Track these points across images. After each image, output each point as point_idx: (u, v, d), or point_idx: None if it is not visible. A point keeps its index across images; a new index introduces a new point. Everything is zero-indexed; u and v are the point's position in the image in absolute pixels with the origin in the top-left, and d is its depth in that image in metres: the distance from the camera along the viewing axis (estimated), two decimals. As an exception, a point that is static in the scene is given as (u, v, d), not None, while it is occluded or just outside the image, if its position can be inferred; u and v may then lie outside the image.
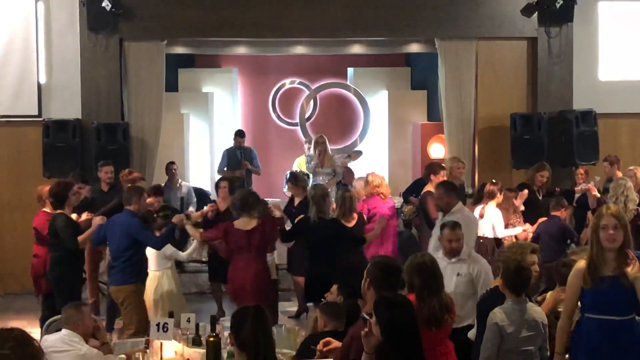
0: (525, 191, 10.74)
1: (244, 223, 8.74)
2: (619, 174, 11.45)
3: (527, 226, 10.35)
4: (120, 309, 8.74)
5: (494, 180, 10.83)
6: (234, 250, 8.79)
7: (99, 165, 11.26)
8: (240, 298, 8.48)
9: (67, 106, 12.69)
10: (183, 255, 9.75)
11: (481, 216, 10.18)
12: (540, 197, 11.05)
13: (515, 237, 10.33)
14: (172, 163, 13.27)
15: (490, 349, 5.74)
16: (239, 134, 14.00)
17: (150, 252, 8.99)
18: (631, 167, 11.00)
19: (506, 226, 10.46)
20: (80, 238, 8.86)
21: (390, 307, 4.68)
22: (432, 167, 10.78)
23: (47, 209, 9.31)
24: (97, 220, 8.90)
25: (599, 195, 10.90)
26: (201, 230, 9.34)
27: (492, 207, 10.37)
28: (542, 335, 5.87)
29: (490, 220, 10.24)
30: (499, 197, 10.45)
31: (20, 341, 3.54)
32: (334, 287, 7.06)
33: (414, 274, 5.61)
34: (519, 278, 5.83)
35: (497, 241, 10.31)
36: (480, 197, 10.76)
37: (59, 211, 8.92)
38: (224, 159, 13.86)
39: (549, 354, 5.94)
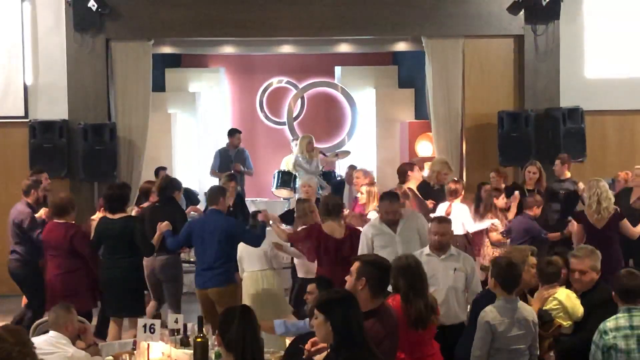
0: (517, 194, 10.66)
1: (332, 229, 8.49)
2: (568, 174, 11.44)
3: (496, 221, 10.32)
4: (221, 310, 8.50)
5: (455, 179, 10.82)
6: (322, 256, 8.46)
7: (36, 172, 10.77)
8: None
9: (54, 107, 12.65)
10: (283, 256, 9.50)
11: (447, 214, 10.03)
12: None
13: (487, 233, 10.30)
14: (163, 169, 13.20)
15: (482, 348, 5.75)
16: (232, 133, 13.91)
17: (252, 251, 8.80)
18: (638, 166, 10.92)
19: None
20: (154, 242, 8.67)
21: (344, 305, 4.62)
22: (402, 173, 10.69)
23: (61, 220, 8.83)
24: (164, 227, 8.65)
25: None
26: (288, 228, 9.21)
27: (458, 204, 10.32)
28: (532, 334, 5.88)
29: (459, 218, 10.12)
30: (462, 194, 10.45)
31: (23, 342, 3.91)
32: (312, 286, 7.04)
33: (400, 276, 5.61)
34: (510, 275, 5.84)
35: (468, 237, 10.30)
36: (480, 200, 10.62)
37: (123, 214, 8.65)
38: (216, 159, 13.79)
39: (538, 352, 5.95)
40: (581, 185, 11.08)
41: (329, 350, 4.70)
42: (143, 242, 8.54)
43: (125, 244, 8.50)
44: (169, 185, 9.82)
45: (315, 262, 8.60)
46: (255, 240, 8.66)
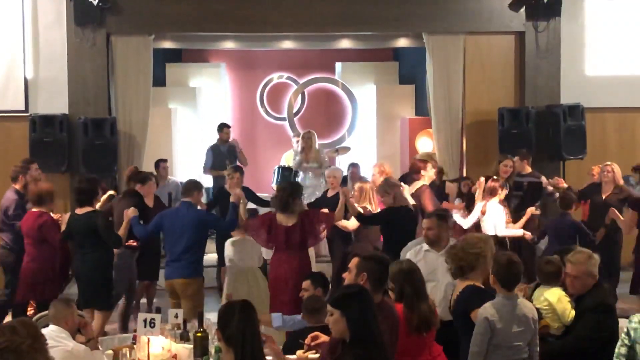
0: (482, 179, 10.45)
1: (285, 219, 8.65)
2: (528, 169, 11.43)
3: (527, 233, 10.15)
4: (184, 302, 8.51)
5: (495, 177, 10.61)
6: (274, 245, 8.70)
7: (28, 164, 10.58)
8: (280, 292, 8.46)
9: (54, 101, 12.64)
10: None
11: (483, 213, 9.92)
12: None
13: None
14: (164, 161, 13.20)
15: (480, 344, 5.73)
16: (220, 128, 13.85)
17: (241, 247, 9.07)
18: (608, 163, 11.01)
19: None
20: (121, 233, 8.69)
21: (360, 300, 4.64)
22: (414, 167, 10.71)
23: (46, 209, 8.98)
24: (130, 212, 8.67)
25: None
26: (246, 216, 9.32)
27: (494, 203, 9.98)
28: (532, 331, 5.86)
29: (491, 218, 9.92)
30: (501, 194, 10.15)
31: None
32: (307, 283, 7.05)
33: (405, 282, 5.52)
34: (510, 272, 5.82)
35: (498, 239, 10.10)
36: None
37: (89, 208, 8.67)
38: (208, 157, 13.73)
39: (538, 349, 5.95)
40: (544, 179, 11.16)
41: (332, 344, 4.71)
42: (108, 235, 8.60)
43: (91, 238, 8.58)
44: (134, 177, 10.10)
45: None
46: (229, 225, 8.91)
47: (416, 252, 7.47)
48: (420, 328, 5.41)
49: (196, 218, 8.66)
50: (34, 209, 9.01)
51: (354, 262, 5.45)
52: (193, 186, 8.94)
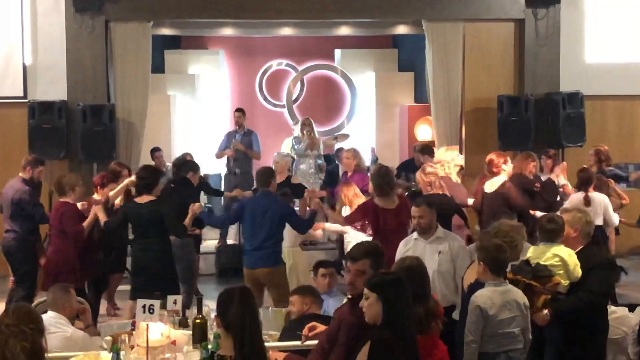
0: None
1: (387, 203, 8.43)
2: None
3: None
4: (271, 290, 8.60)
5: (585, 166, 10.31)
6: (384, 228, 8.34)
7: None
8: None
9: (53, 87, 12.61)
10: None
11: (587, 207, 9.55)
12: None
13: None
14: (158, 150, 13.20)
15: (474, 332, 5.74)
16: (237, 110, 13.73)
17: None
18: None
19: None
20: (186, 223, 8.52)
21: (397, 286, 4.70)
22: (491, 165, 10.03)
23: (70, 199, 8.77)
24: (197, 208, 8.52)
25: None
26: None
27: (595, 193, 9.90)
28: (524, 317, 5.87)
29: (600, 208, 9.80)
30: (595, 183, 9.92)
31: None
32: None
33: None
34: (498, 258, 5.83)
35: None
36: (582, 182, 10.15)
37: (150, 197, 8.43)
38: (223, 141, 13.56)
39: (530, 337, 5.94)
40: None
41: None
42: (175, 224, 8.41)
43: (154, 227, 8.34)
44: (182, 166, 10.11)
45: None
46: (303, 226, 8.91)
47: (406, 241, 7.48)
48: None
49: (278, 212, 8.67)
50: (60, 199, 8.84)
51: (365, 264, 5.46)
52: (269, 175, 8.97)
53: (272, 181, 8.87)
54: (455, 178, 10.58)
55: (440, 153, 11.54)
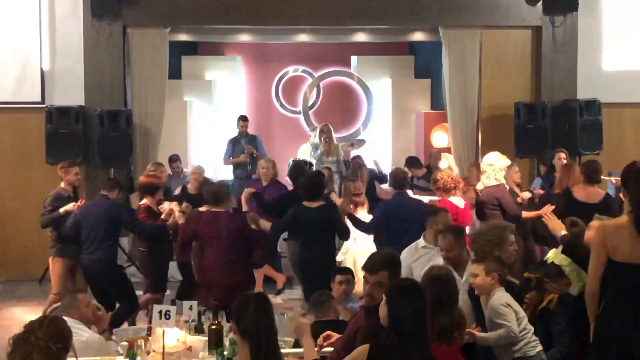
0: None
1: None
2: None
3: None
4: None
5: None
6: None
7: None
8: None
9: (70, 93, 12.67)
10: None
11: None
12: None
13: None
14: (175, 160, 13.21)
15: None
16: (241, 118, 13.85)
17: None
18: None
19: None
20: None
21: (407, 295, 4.67)
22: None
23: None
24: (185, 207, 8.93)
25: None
26: None
27: None
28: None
29: None
30: None
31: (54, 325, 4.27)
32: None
33: (427, 287, 5.45)
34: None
35: None
36: None
37: (321, 202, 8.79)
38: (228, 147, 13.71)
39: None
40: None
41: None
42: (343, 227, 8.80)
43: (325, 230, 8.64)
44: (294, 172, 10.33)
45: None
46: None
47: (412, 249, 7.46)
48: (439, 338, 5.34)
49: (417, 207, 8.93)
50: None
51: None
52: (402, 179, 9.38)
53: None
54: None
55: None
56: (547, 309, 6.16)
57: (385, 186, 12.16)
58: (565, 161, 10.99)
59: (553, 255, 6.53)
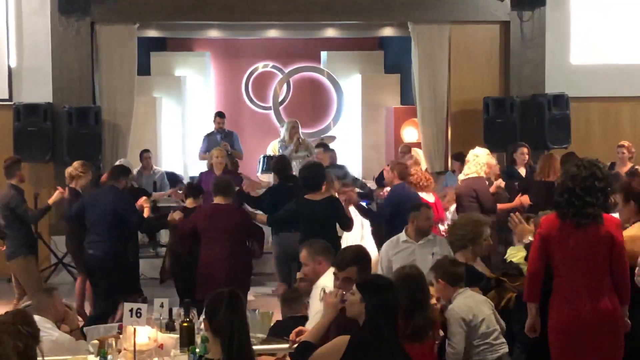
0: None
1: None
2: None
3: None
4: None
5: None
6: None
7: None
8: None
9: (38, 90, 12.57)
10: None
11: None
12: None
13: None
14: (147, 151, 13.16)
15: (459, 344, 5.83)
16: (218, 115, 13.77)
17: None
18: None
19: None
20: None
21: (385, 292, 4.70)
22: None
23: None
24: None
25: None
26: None
27: None
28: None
29: None
30: None
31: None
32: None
33: (402, 286, 5.41)
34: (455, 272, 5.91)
35: None
36: None
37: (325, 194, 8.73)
38: (204, 143, 13.59)
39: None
40: None
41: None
42: (347, 220, 8.65)
43: (330, 223, 8.52)
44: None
45: None
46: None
47: (394, 244, 7.48)
48: (412, 338, 5.33)
49: (418, 197, 8.92)
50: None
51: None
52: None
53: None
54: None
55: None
56: (507, 309, 6.17)
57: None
58: (527, 156, 11.40)
59: (513, 252, 6.55)
